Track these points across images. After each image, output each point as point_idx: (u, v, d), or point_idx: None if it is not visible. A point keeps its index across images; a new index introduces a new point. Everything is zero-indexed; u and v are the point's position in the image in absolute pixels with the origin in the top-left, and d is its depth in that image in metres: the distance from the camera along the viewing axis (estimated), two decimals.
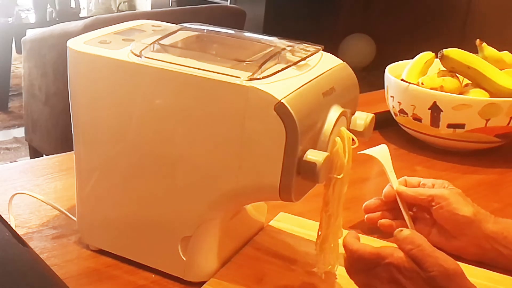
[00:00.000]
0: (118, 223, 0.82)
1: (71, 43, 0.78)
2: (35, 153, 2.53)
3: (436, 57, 1.27)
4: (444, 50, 1.21)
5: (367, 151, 0.89)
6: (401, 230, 0.70)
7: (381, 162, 0.92)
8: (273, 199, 0.73)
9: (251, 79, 0.68)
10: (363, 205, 0.95)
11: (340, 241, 0.76)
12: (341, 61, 0.81)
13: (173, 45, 0.78)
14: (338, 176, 0.74)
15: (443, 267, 0.66)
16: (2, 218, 0.67)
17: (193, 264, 0.78)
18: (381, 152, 0.93)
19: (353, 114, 0.79)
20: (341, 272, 0.80)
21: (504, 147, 1.25)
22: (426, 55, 1.31)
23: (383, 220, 0.92)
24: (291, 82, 0.70)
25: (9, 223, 0.71)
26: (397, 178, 0.92)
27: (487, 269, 0.85)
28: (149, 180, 0.77)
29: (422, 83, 1.22)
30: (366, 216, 0.94)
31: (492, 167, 1.20)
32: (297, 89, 0.69)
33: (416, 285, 0.68)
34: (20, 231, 0.86)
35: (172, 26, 0.85)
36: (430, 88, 1.20)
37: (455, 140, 1.21)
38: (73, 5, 4.16)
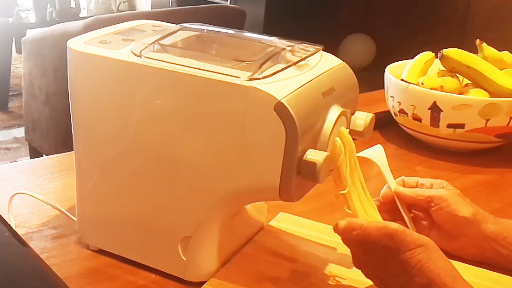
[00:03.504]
0: (118, 223, 0.82)
1: (71, 43, 0.78)
2: (35, 153, 2.53)
3: (436, 57, 1.27)
4: (444, 50, 1.21)
5: (362, 154, 0.88)
6: (337, 224, 0.72)
7: (377, 164, 0.91)
8: (273, 199, 0.73)
9: (251, 79, 0.68)
10: None
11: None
12: (341, 61, 0.81)
13: (173, 45, 0.78)
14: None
15: (386, 234, 0.70)
16: (2, 218, 0.67)
17: (193, 264, 0.78)
18: (377, 153, 0.91)
19: (353, 114, 0.79)
20: (341, 272, 0.80)
21: (504, 147, 1.25)
22: (426, 55, 1.30)
23: None
24: (291, 82, 0.70)
25: (9, 223, 0.71)
26: (397, 178, 0.92)
27: (487, 269, 0.84)
28: (149, 180, 0.77)
29: (422, 83, 1.22)
30: None
31: (492, 167, 1.20)
32: (297, 89, 0.69)
33: (380, 260, 0.71)
34: (20, 231, 0.86)
35: (172, 26, 0.85)
36: (430, 88, 1.20)
37: (455, 140, 1.21)
38: (73, 5, 4.16)
